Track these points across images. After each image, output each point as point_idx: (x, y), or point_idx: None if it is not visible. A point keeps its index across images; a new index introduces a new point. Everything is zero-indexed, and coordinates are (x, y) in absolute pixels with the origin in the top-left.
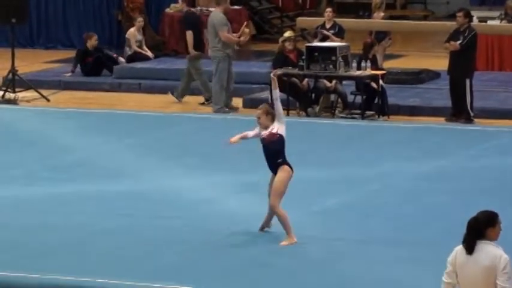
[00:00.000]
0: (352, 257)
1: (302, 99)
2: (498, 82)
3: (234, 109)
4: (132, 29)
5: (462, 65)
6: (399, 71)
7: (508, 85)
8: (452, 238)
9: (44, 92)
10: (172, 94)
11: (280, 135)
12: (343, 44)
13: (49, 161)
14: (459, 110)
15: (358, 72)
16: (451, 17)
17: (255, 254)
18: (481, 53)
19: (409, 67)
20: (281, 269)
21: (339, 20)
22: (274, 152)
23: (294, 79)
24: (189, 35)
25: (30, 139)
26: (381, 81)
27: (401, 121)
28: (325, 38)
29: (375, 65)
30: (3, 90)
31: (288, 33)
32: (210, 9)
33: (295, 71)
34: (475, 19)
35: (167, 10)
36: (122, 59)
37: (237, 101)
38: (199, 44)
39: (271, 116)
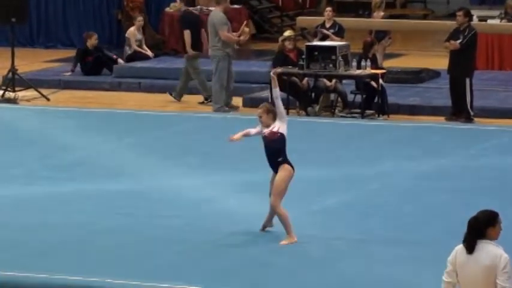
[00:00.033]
0: (352, 256)
1: (302, 98)
2: (498, 81)
3: (234, 108)
4: (132, 28)
5: (462, 64)
6: (399, 70)
7: (508, 84)
8: (452, 237)
9: (44, 91)
10: (171, 95)
11: (281, 134)
12: (343, 43)
13: (49, 160)
14: (459, 109)
15: (358, 72)
16: (451, 16)
17: (255, 253)
18: (481, 52)
19: (409, 66)
20: (281, 268)
21: (338, 19)
22: (275, 151)
23: (294, 78)
24: (187, 34)
25: (30, 138)
26: (380, 81)
27: (401, 120)
28: (325, 37)
29: (374, 64)
30: (3, 89)
31: (288, 33)
32: (210, 8)
33: (295, 70)
34: (475, 18)
35: (167, 9)
36: (121, 61)
37: (237, 100)
38: (197, 44)
39: (273, 115)
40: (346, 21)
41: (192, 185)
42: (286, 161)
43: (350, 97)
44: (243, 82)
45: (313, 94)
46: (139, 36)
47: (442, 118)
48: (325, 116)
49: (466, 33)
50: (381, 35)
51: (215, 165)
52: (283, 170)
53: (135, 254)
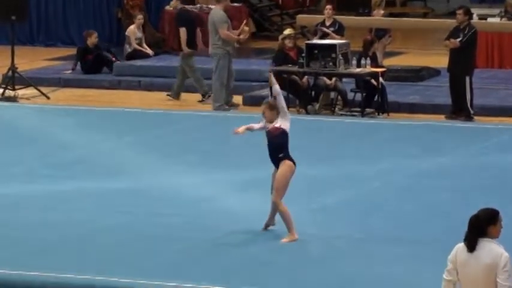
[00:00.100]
0: (352, 255)
1: (302, 96)
2: (498, 79)
3: (235, 106)
4: (131, 27)
5: (462, 62)
6: (399, 68)
7: (508, 82)
8: (452, 235)
9: (44, 90)
10: (170, 95)
11: (283, 130)
12: (343, 41)
13: (49, 159)
14: (459, 108)
15: (358, 70)
16: (451, 14)
17: (255, 251)
18: (481, 51)
19: (409, 64)
20: (281, 267)
21: (338, 18)
22: (277, 146)
23: (294, 76)
24: (182, 32)
25: (30, 136)
26: (380, 79)
27: (401, 118)
28: (325, 36)
29: (374, 63)
30: (3, 87)
31: (287, 31)
32: (210, 6)
33: (295, 68)
34: (475, 16)
35: (167, 7)
36: (119, 63)
37: (237, 99)
38: (193, 41)
39: (276, 111)
40: (346, 19)
41: (192, 183)
42: (287, 156)
43: (350, 95)
44: (243, 80)
45: (313, 92)
46: (139, 34)
47: (442, 116)
48: (325, 114)
49: (466, 32)
50: (381, 33)
51: (215, 163)
52: (284, 165)
53: (135, 252)
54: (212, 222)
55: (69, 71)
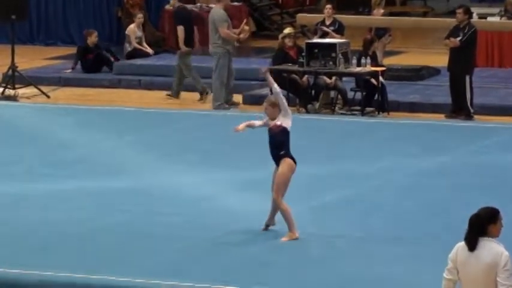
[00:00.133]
0: (352, 255)
1: (302, 95)
2: (498, 78)
3: (235, 104)
4: (132, 26)
5: (462, 61)
6: (399, 67)
7: (508, 81)
8: (452, 235)
9: (44, 89)
10: (169, 95)
11: (284, 128)
12: (343, 40)
13: (49, 158)
14: (459, 107)
15: (358, 69)
16: (451, 13)
17: (255, 251)
18: (481, 50)
19: (409, 64)
20: (281, 266)
21: (338, 17)
22: (279, 143)
23: (294, 76)
24: (180, 30)
25: (30, 135)
26: (380, 78)
27: (401, 117)
28: (325, 35)
29: (374, 62)
30: (3, 86)
31: (287, 30)
32: (211, 5)
33: (295, 67)
34: (474, 16)
35: (167, 6)
36: (119, 62)
37: (237, 98)
38: (190, 40)
39: (279, 108)
40: (346, 18)
41: (192, 182)
42: (288, 154)
43: (350, 94)
44: (242, 79)
45: (313, 91)
46: (139, 33)
47: (442, 115)
48: (325, 114)
49: (466, 31)
50: (380, 32)
51: (215, 162)
52: (284, 163)
53: (135, 251)
54: (212, 221)
55: (69, 70)
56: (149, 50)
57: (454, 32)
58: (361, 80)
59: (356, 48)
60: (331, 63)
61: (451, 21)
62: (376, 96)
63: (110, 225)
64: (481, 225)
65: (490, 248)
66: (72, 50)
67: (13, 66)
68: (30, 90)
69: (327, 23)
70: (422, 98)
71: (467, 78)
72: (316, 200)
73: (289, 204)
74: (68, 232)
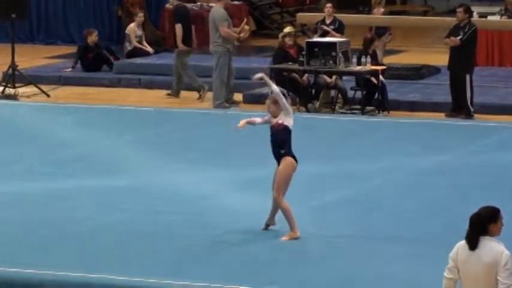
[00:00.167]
0: (352, 254)
1: (302, 94)
2: (498, 77)
3: (236, 103)
4: (132, 25)
5: (462, 60)
6: (399, 66)
7: (508, 80)
8: (452, 233)
9: (44, 88)
10: (169, 94)
11: (286, 126)
12: (343, 39)
13: (49, 156)
14: (459, 106)
15: (358, 68)
16: (451, 12)
17: (255, 250)
18: (481, 49)
19: (409, 62)
20: (281, 266)
21: (339, 16)
22: (280, 141)
23: (294, 74)
24: (178, 28)
25: (30, 134)
26: (381, 77)
27: (401, 116)
28: (325, 34)
29: (375, 61)
30: (3, 85)
31: (288, 29)
32: (211, 4)
33: (295, 66)
34: (475, 14)
35: (167, 5)
36: (119, 61)
37: (238, 97)
38: (188, 38)
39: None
40: (347, 17)
41: (192, 181)
42: (289, 153)
43: (350, 93)
44: (243, 78)
45: (313, 90)
46: (140, 32)
47: (442, 114)
48: (325, 112)
49: (466, 30)
50: (381, 31)
51: (215, 161)
52: (285, 162)
53: (135, 250)
54: (212, 220)
55: (69, 69)
56: (149, 49)
57: (454, 31)
58: (362, 79)
59: (356, 47)
60: (331, 62)
61: (451, 20)
62: (376, 95)
63: (110, 224)
64: (482, 224)
65: (490, 247)
66: (72, 49)
67: (13, 65)
68: (30, 89)
69: (327, 22)
70: (423, 97)
71: (468, 77)
72: (316, 199)
73: (290, 204)
74: (67, 231)
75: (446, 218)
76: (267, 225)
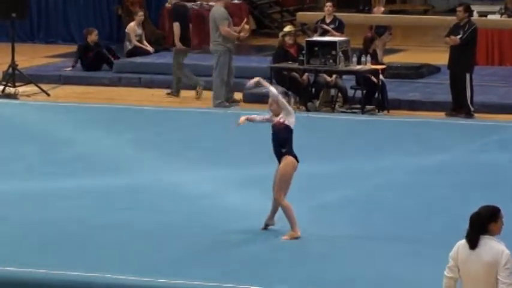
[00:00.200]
0: (352, 253)
1: (302, 93)
2: (498, 77)
3: (236, 102)
4: (132, 24)
5: (462, 59)
6: (399, 65)
7: (508, 80)
8: (452, 233)
9: (44, 87)
10: (169, 94)
11: (287, 126)
12: (343, 38)
13: (49, 156)
14: (459, 105)
15: (358, 67)
16: (451, 11)
17: (255, 249)
18: (481, 48)
19: (409, 61)
20: (281, 265)
21: (339, 15)
22: (282, 140)
23: (294, 73)
24: (176, 26)
25: (30, 134)
26: (381, 76)
27: (401, 116)
28: (325, 33)
29: (375, 60)
30: (3, 84)
31: (288, 28)
32: (211, 3)
33: (295, 65)
34: (475, 13)
35: (167, 4)
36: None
37: (237, 96)
38: (186, 37)
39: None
40: (347, 16)
41: (192, 180)
42: (290, 152)
43: (350, 92)
44: (243, 77)
45: (313, 89)
46: (140, 31)
47: (442, 113)
48: (325, 112)
49: (466, 29)
50: (381, 30)
51: (215, 160)
52: (286, 161)
53: (135, 249)
54: (212, 219)
55: (70, 68)
56: (149, 48)
57: (454, 30)
58: (362, 78)
59: (356, 46)
60: (331, 61)
61: (451, 19)
62: (376, 94)
63: (110, 224)
64: (482, 224)
65: (490, 246)
66: (72, 48)
67: (13, 64)
68: (30, 88)
69: (327, 21)
70: (423, 96)
71: (468, 76)
72: (316, 199)
73: (291, 203)
74: (67, 230)
75: (446, 217)
76: (267, 225)
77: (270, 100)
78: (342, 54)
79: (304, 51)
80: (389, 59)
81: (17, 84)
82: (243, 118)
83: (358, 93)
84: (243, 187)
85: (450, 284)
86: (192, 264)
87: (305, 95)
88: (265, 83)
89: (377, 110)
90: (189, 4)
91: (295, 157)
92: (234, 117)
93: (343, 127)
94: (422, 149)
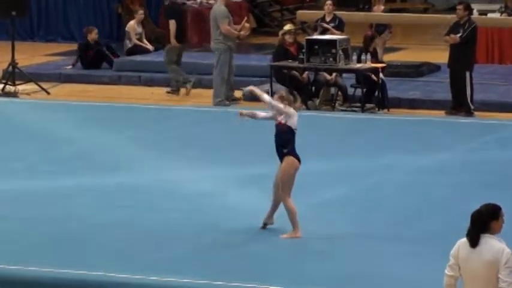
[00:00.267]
0: (352, 252)
1: (302, 92)
2: (498, 75)
3: (237, 100)
4: (132, 22)
5: (462, 58)
6: (399, 64)
7: (508, 78)
8: (453, 231)
9: (44, 85)
10: (170, 92)
11: (288, 126)
12: (343, 37)
13: (49, 154)
14: (459, 103)
15: (358, 65)
16: (451, 9)
17: (255, 247)
18: (481, 46)
19: (409, 60)
20: (280, 263)
21: (339, 13)
22: (283, 141)
23: (294, 72)
24: (172, 24)
25: (31, 132)
26: (381, 74)
27: (401, 114)
28: (325, 31)
29: (375, 58)
30: (3, 83)
31: (288, 26)
32: (211, 2)
33: (295, 64)
34: (475, 12)
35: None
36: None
37: (237, 94)
38: (181, 35)
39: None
40: (347, 15)
41: (191, 178)
42: (291, 153)
43: (350, 91)
44: (243, 76)
45: (313, 88)
46: (140, 29)
47: (442, 112)
48: (325, 110)
49: (466, 27)
50: (381, 28)
51: (215, 158)
52: (286, 161)
53: (136, 248)
54: (212, 217)
55: (70, 67)
56: (149, 47)
57: (454, 29)
58: (362, 77)
59: (356, 45)
60: (331, 59)
61: (451, 18)
62: (377, 92)
63: (110, 222)
64: (483, 222)
65: (491, 244)
66: (72, 46)
67: (13, 63)
68: (30, 87)
69: (327, 19)
70: (423, 95)
71: (468, 74)
72: (316, 197)
73: (295, 204)
74: (68, 229)
75: (446, 216)
76: (265, 224)
77: (275, 97)
78: (342, 53)
79: (304, 50)
80: (389, 57)
81: (17, 82)
82: (245, 112)
83: (358, 92)
84: (243, 186)
85: (451, 282)
86: (192, 262)
87: (305, 93)
88: (257, 91)
89: (377, 109)
90: (189, 2)
91: (297, 158)
92: (233, 115)
93: (343, 125)
94: (422, 148)
